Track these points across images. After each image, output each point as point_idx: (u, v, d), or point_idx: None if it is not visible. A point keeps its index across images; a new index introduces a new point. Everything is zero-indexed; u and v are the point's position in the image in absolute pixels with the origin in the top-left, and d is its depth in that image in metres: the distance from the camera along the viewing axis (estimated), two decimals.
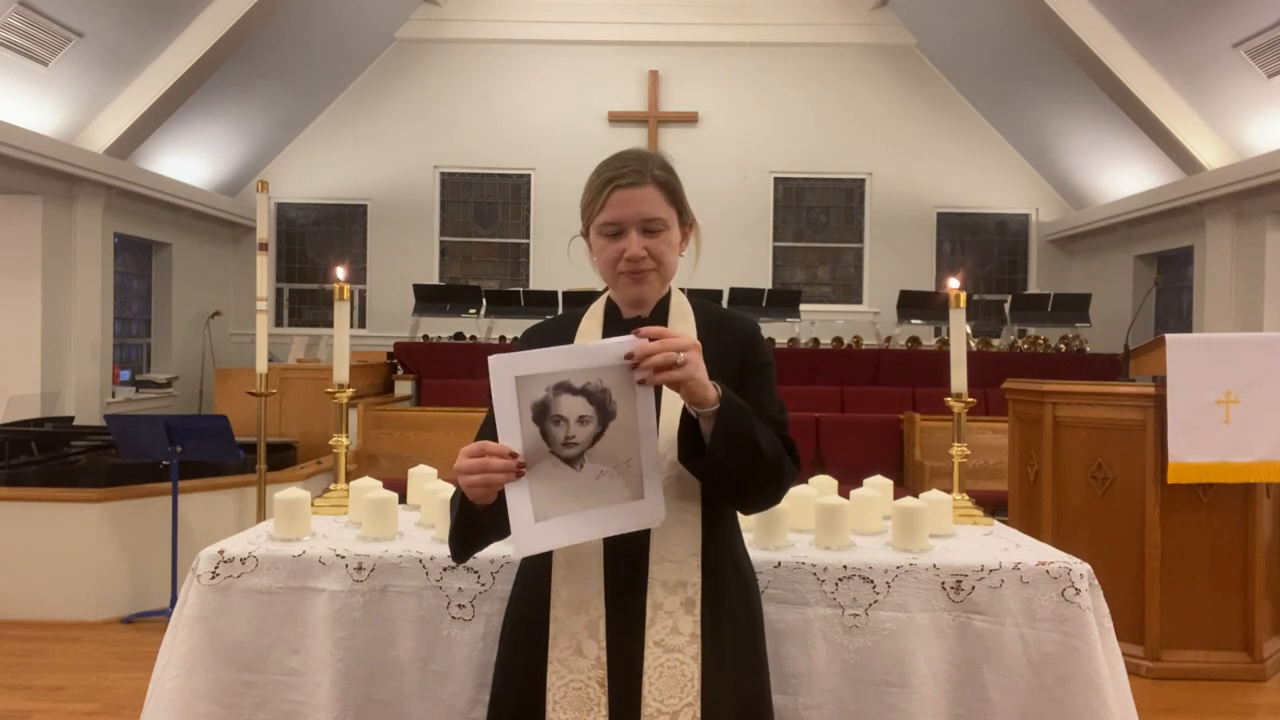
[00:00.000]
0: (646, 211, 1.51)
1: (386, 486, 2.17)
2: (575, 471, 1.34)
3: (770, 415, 1.52)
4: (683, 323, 1.58)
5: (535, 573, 1.53)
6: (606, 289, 1.66)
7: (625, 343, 1.32)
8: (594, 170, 1.57)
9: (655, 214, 1.52)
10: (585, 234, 1.60)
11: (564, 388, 1.30)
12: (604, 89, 10.48)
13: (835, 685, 1.85)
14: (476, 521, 1.42)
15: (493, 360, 1.31)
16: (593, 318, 1.63)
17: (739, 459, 1.39)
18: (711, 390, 1.36)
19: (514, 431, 1.32)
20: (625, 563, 1.46)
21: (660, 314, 1.60)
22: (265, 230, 4.29)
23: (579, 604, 1.46)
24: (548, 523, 1.34)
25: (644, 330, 1.32)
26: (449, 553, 1.51)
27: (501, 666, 1.58)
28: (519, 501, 1.33)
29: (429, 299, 8.88)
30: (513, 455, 1.32)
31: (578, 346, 1.35)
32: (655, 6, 10.39)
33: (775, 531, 1.98)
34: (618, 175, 1.51)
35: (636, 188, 1.51)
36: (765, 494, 1.51)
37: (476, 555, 1.90)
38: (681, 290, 1.66)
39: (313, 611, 1.89)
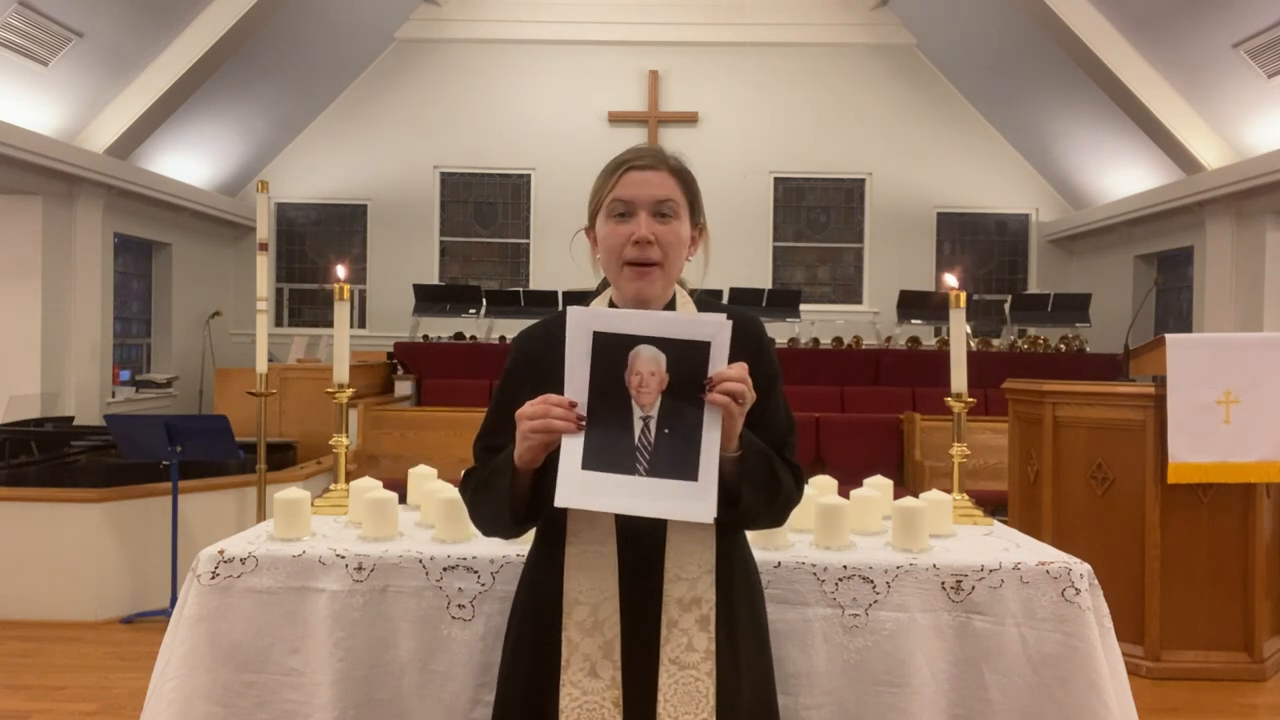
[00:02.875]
0: (659, 193, 1.49)
1: (386, 486, 2.17)
2: (640, 427, 1.34)
3: (781, 437, 1.53)
4: None
5: (542, 580, 1.51)
6: (605, 287, 1.61)
7: (716, 323, 1.34)
8: (608, 161, 1.55)
9: (668, 195, 1.49)
10: (591, 225, 1.57)
11: (640, 340, 1.33)
12: (604, 89, 10.48)
13: (835, 685, 1.85)
14: (521, 489, 1.43)
15: (573, 311, 1.36)
16: None
17: (756, 501, 1.44)
18: (736, 436, 1.38)
19: (581, 383, 1.34)
20: (639, 580, 1.45)
21: None
22: (265, 230, 4.29)
23: (594, 625, 1.44)
24: (597, 476, 1.34)
25: (732, 366, 1.34)
26: (498, 527, 1.50)
27: (505, 681, 1.56)
28: (570, 451, 1.34)
29: (429, 299, 8.88)
30: (573, 406, 1.34)
31: (665, 314, 1.38)
32: (655, 6, 10.39)
33: (775, 532, 1.98)
34: (633, 159, 1.51)
35: (651, 170, 1.50)
36: (770, 524, 1.56)
37: (476, 554, 1.92)
38: (689, 292, 1.62)
39: (313, 611, 1.89)
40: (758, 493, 1.43)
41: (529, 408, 1.35)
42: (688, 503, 1.34)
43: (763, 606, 1.61)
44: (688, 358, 1.33)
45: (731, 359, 1.47)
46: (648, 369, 1.33)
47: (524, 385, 1.52)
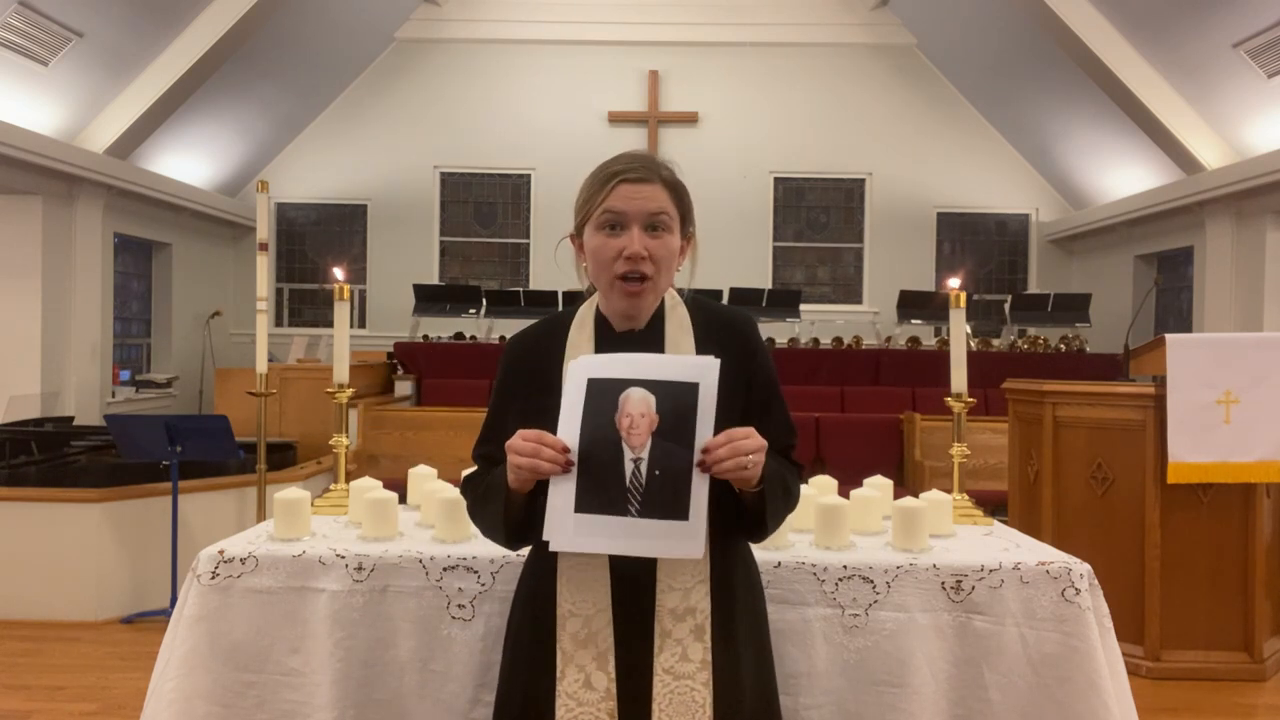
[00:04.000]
0: (652, 206, 1.46)
1: (386, 486, 2.17)
2: (631, 469, 1.35)
3: (785, 443, 1.55)
4: (682, 336, 1.52)
5: (538, 587, 1.50)
6: (592, 293, 1.58)
7: (701, 364, 1.38)
8: (594, 169, 1.51)
9: (661, 209, 1.47)
10: (577, 233, 1.53)
11: (632, 383, 1.36)
12: (604, 89, 10.48)
13: (835, 685, 1.85)
14: (516, 510, 1.44)
15: (571, 365, 1.40)
16: (582, 330, 1.54)
17: (775, 525, 1.50)
18: (759, 472, 1.39)
19: (573, 427, 1.36)
20: (632, 591, 1.44)
21: (656, 327, 1.53)
22: (265, 230, 4.29)
23: (588, 637, 1.43)
24: (589, 518, 1.35)
25: (712, 441, 1.33)
26: (500, 539, 1.51)
27: (504, 688, 1.55)
28: (561, 493, 1.36)
29: (429, 299, 8.88)
30: (565, 450, 1.35)
31: (653, 356, 1.42)
32: (655, 6, 10.39)
33: (775, 531, 1.97)
34: (625, 170, 1.47)
35: (644, 183, 1.46)
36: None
37: (476, 554, 1.92)
38: (679, 292, 1.59)
39: (313, 611, 1.89)
40: (778, 518, 1.48)
41: (519, 442, 1.35)
42: (677, 541, 1.35)
43: (764, 610, 1.60)
44: (676, 399, 1.35)
45: (725, 364, 1.45)
46: (638, 410, 1.35)
47: (517, 392, 1.53)
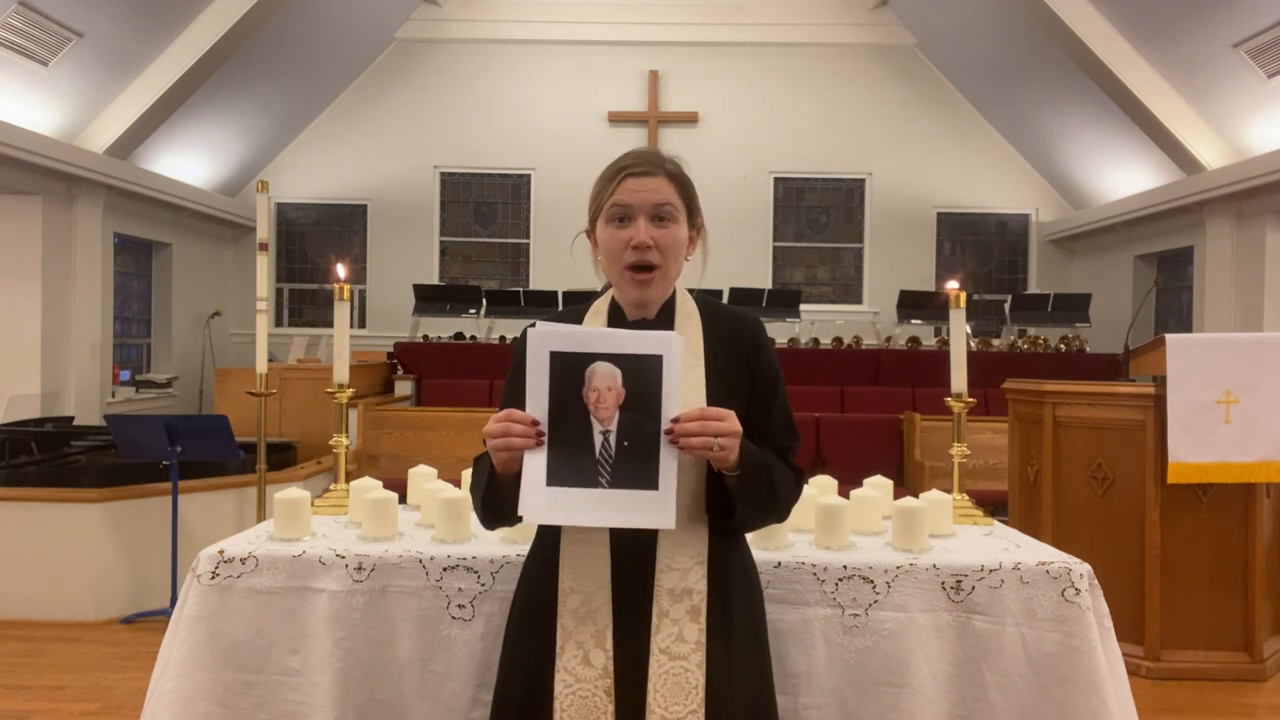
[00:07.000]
0: (657, 198, 1.51)
1: (386, 486, 2.17)
2: (600, 441, 1.38)
3: (784, 442, 1.57)
4: (689, 327, 1.57)
5: (541, 574, 1.54)
6: (608, 287, 1.64)
7: (665, 338, 1.38)
8: (605, 167, 1.58)
9: (666, 200, 1.52)
10: (591, 228, 1.59)
11: (595, 357, 1.38)
12: (604, 89, 10.48)
13: (835, 685, 1.85)
14: (502, 492, 1.46)
15: (532, 332, 1.39)
16: (596, 318, 1.62)
17: (751, 513, 1.49)
18: (734, 456, 1.41)
19: (541, 401, 1.38)
20: (632, 571, 1.47)
21: (665, 317, 1.58)
22: (265, 230, 4.29)
23: (587, 614, 1.46)
24: (562, 491, 1.37)
25: (686, 414, 1.37)
26: (479, 517, 1.56)
27: (505, 670, 1.58)
28: (534, 467, 1.38)
29: (429, 299, 8.88)
30: (535, 424, 1.37)
31: (617, 331, 1.44)
32: (655, 6, 10.39)
33: (775, 531, 1.98)
34: (631, 165, 1.53)
35: (649, 176, 1.52)
36: (767, 526, 1.61)
37: (476, 554, 1.93)
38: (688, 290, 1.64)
39: (313, 611, 1.89)
40: (753, 506, 1.47)
41: (492, 424, 1.39)
42: (649, 512, 1.38)
43: (760, 602, 1.62)
44: (642, 372, 1.37)
45: (730, 359, 1.51)
46: (604, 384, 1.37)
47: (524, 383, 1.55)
